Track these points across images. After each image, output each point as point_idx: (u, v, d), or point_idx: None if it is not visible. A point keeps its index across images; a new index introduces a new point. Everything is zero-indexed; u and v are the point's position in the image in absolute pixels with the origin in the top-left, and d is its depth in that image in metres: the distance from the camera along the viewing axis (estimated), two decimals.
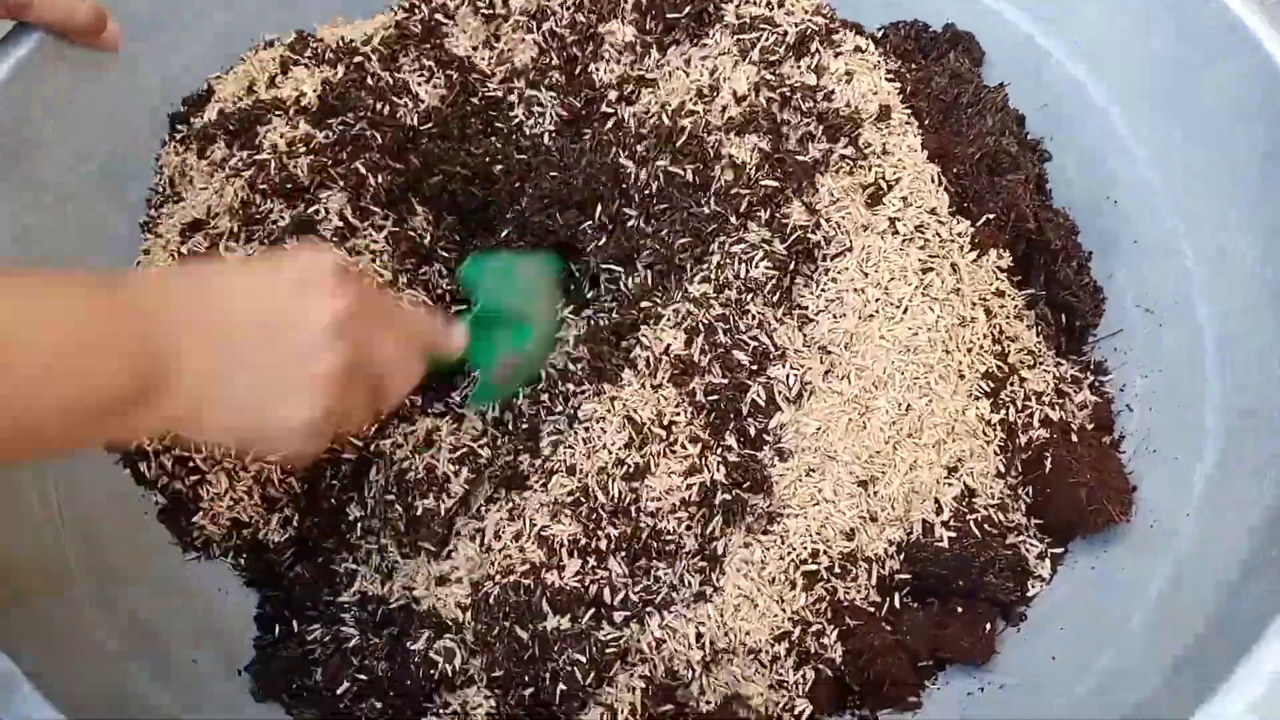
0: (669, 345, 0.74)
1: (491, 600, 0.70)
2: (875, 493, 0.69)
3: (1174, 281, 0.81)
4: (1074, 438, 0.74)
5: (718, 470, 0.70)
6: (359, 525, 0.77)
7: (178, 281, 0.56)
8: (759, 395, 0.71)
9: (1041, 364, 0.79)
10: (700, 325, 0.73)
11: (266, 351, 0.53)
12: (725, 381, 0.72)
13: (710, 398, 0.72)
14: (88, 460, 0.77)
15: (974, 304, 0.75)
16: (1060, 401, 0.78)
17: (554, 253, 0.83)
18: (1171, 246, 0.82)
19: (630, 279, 0.77)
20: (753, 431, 0.71)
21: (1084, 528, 0.73)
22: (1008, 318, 0.77)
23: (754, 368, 0.72)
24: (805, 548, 0.67)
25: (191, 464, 0.78)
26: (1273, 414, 0.69)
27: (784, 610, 0.69)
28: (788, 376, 0.71)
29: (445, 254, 0.81)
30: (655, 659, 0.70)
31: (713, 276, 0.74)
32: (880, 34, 0.99)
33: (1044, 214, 0.80)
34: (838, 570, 0.68)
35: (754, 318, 0.73)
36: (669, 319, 0.75)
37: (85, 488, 0.74)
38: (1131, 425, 0.79)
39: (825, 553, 0.68)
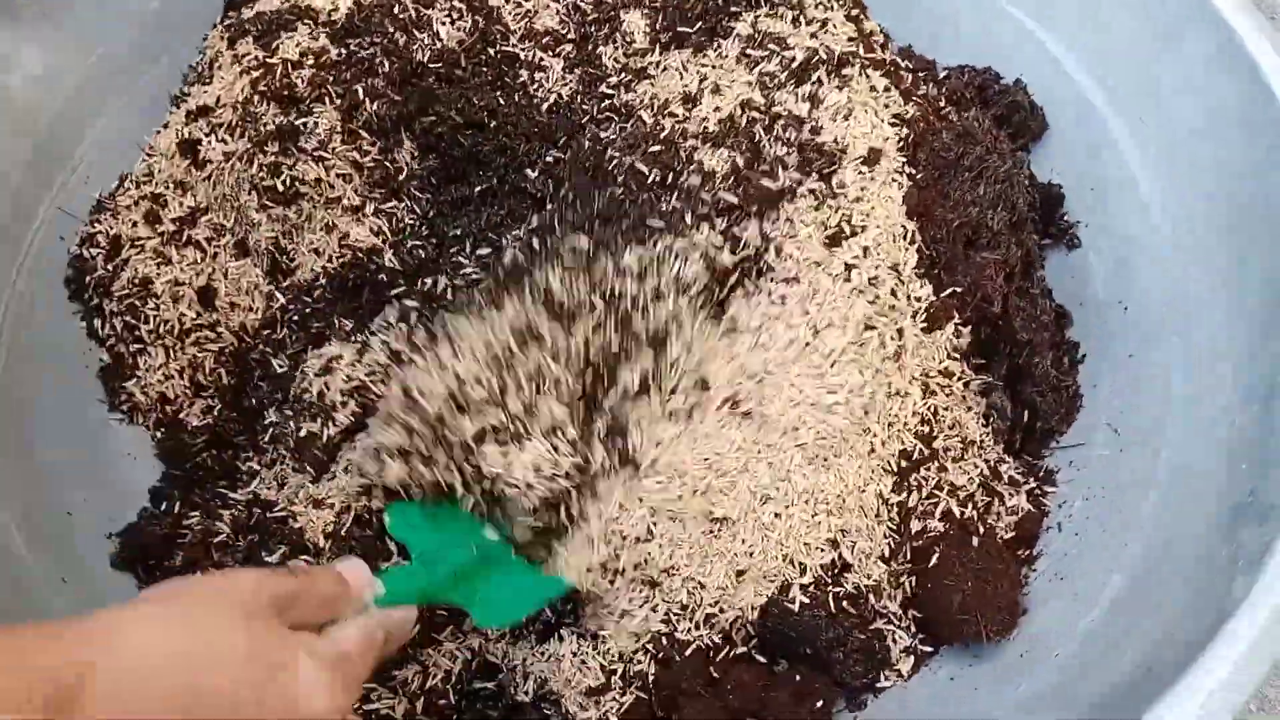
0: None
1: (343, 532, 0.72)
2: (735, 535, 0.67)
3: (1153, 408, 0.75)
4: (974, 540, 0.70)
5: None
6: (271, 431, 0.80)
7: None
8: (633, 379, 0.69)
9: (979, 457, 0.74)
10: (614, 289, 0.71)
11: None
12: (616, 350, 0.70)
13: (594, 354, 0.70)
14: (49, 305, 0.82)
15: (913, 378, 0.71)
16: (988, 500, 0.74)
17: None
18: (1163, 370, 0.76)
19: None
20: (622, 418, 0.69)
21: (952, 635, 0.69)
22: (949, 397, 0.73)
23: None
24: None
25: (138, 333, 0.82)
26: (1178, 580, 0.63)
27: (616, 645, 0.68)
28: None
29: (417, 194, 0.81)
30: (489, 642, 0.70)
31: (647, 257, 0.72)
32: (944, 75, 0.94)
33: (1016, 301, 0.75)
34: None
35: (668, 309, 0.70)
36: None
37: (36, 328, 0.79)
38: (1054, 546, 0.73)
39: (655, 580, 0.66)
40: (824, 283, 0.71)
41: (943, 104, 0.88)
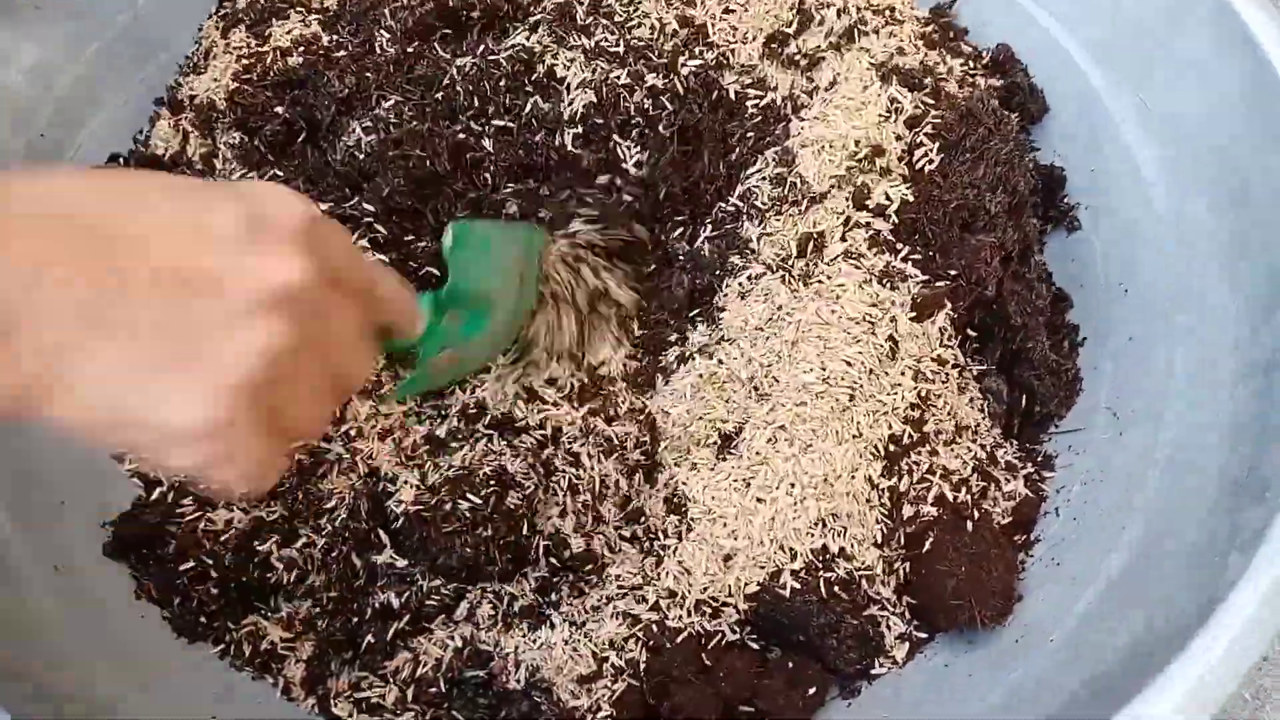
0: None
1: (338, 523, 0.71)
2: (716, 519, 0.66)
3: (1154, 389, 0.74)
4: (968, 525, 0.69)
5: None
6: None
7: (68, 190, 0.38)
8: None
9: (973, 441, 0.73)
10: None
11: (164, 312, 0.38)
12: None
13: None
14: None
15: (906, 370, 0.70)
16: (984, 485, 0.73)
17: (537, 228, 0.74)
18: (1163, 352, 0.75)
19: None
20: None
21: (947, 621, 0.68)
22: (944, 383, 0.72)
23: None
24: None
25: None
26: (1175, 561, 0.62)
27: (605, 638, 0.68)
28: None
29: None
30: (480, 631, 0.70)
31: None
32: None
33: (1012, 286, 0.74)
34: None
35: None
36: None
37: None
38: (1050, 531, 0.73)
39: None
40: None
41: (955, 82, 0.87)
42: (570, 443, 0.71)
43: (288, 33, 0.82)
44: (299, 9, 0.85)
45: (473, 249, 0.64)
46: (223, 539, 0.73)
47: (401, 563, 0.70)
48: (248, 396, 0.40)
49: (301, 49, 0.81)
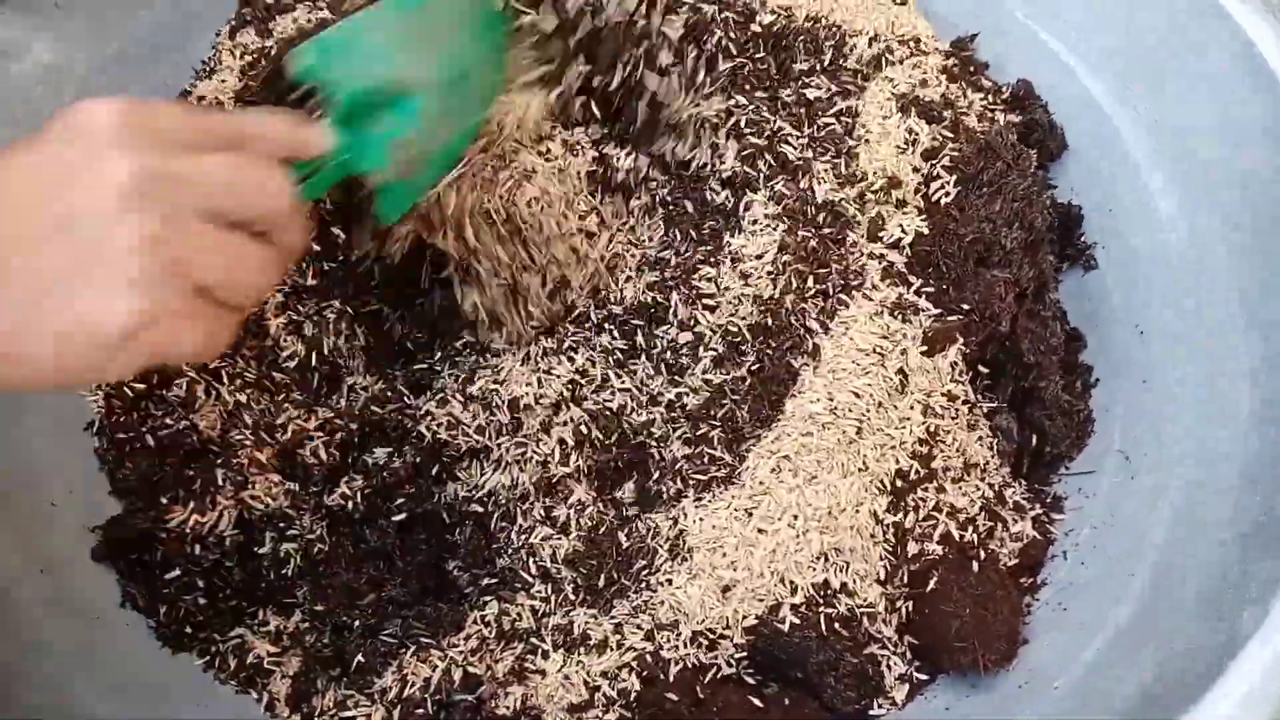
0: None
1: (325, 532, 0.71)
2: (715, 549, 0.65)
3: (1167, 434, 0.72)
4: (974, 566, 0.67)
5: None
6: None
7: None
8: None
9: (981, 480, 0.72)
10: None
11: (44, 242, 0.42)
12: None
13: None
14: None
15: (916, 404, 0.68)
16: (990, 525, 0.71)
17: None
18: (1177, 395, 0.73)
19: None
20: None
21: (949, 663, 0.66)
22: (954, 419, 0.70)
23: None
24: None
25: None
26: (1186, 612, 0.60)
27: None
28: None
29: None
30: (471, 654, 0.68)
31: None
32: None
33: (1026, 323, 0.72)
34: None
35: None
36: None
37: None
38: (1058, 575, 0.71)
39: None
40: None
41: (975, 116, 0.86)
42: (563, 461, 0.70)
43: (294, 22, 0.81)
44: (305, 2, 0.84)
45: (343, 53, 0.55)
46: (210, 544, 0.72)
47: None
48: (157, 285, 0.43)
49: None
